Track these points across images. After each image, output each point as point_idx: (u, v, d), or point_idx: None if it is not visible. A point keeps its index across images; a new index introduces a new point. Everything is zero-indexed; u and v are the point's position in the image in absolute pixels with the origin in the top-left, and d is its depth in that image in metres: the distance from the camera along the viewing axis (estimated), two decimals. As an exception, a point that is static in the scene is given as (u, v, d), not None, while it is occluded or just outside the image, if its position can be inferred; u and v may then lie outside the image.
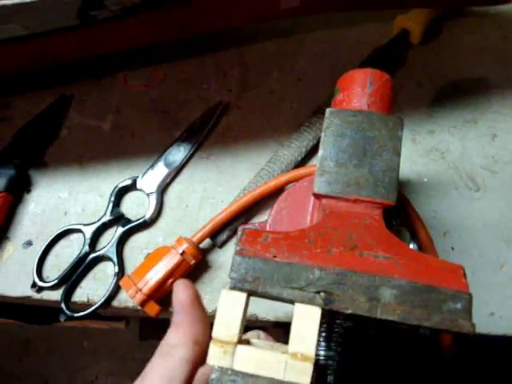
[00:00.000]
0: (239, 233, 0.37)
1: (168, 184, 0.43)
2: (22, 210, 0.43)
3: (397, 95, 0.45)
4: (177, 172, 0.44)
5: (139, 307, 0.36)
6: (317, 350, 0.21)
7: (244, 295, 0.22)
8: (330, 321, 0.26)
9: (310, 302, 0.21)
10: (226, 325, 0.21)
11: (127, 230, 0.41)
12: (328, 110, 0.30)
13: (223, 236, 0.40)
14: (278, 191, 0.38)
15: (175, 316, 0.24)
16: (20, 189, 0.44)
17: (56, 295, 0.39)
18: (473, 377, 0.41)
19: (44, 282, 0.39)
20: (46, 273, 0.41)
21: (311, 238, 0.24)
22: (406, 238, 0.36)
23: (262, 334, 0.30)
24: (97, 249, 0.41)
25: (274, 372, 0.20)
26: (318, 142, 0.29)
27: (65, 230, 0.41)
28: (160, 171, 0.43)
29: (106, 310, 0.40)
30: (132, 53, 0.46)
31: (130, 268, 0.40)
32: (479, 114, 0.46)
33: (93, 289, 0.40)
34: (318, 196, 0.28)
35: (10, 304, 0.43)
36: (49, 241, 0.41)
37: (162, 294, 0.37)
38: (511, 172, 0.43)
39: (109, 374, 1.22)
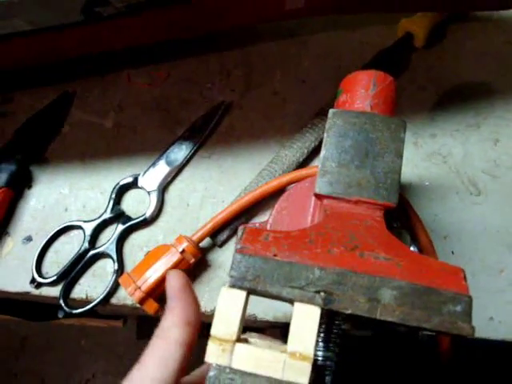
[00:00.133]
0: (240, 232, 0.37)
1: (169, 182, 0.43)
2: (22, 205, 0.43)
3: (399, 98, 0.45)
4: (178, 171, 0.44)
5: (138, 305, 0.36)
6: (315, 350, 0.21)
7: (244, 293, 0.22)
8: (328, 322, 0.26)
9: (310, 301, 0.21)
10: (225, 323, 0.21)
11: (127, 227, 0.41)
12: (331, 111, 0.30)
13: (223, 235, 0.40)
14: (279, 192, 0.38)
15: (169, 302, 0.26)
16: (21, 184, 0.44)
17: (55, 291, 0.39)
18: (471, 381, 0.41)
19: (43, 277, 0.39)
20: (45, 269, 0.41)
21: (312, 238, 0.24)
22: (407, 240, 0.36)
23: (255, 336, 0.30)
24: (97, 246, 0.41)
25: (272, 371, 0.20)
26: (320, 144, 0.29)
27: (65, 227, 0.41)
28: (161, 169, 0.43)
29: (105, 308, 0.40)
30: (136, 51, 0.46)
31: (129, 266, 0.40)
32: (482, 118, 0.46)
33: (92, 286, 0.40)
34: (319, 196, 0.28)
35: (8, 300, 0.43)
36: (49, 237, 0.41)
37: (160, 292, 0.37)
38: (513, 177, 0.43)
39: (106, 373, 1.22)
